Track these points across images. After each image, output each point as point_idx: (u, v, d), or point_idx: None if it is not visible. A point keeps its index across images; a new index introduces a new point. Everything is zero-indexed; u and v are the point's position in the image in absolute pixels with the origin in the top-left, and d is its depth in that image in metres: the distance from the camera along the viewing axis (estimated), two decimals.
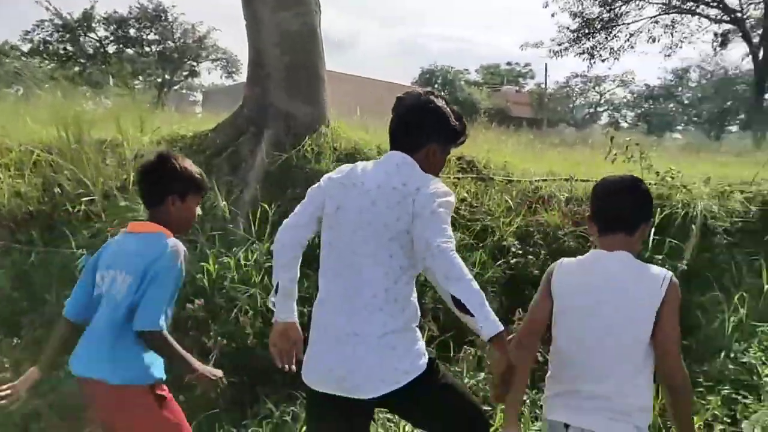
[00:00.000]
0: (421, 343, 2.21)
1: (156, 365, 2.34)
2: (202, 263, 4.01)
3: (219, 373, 2.35)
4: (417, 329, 2.21)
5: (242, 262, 4.14)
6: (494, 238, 4.85)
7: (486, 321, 1.85)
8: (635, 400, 2.00)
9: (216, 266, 4.04)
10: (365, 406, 2.13)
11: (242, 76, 37.83)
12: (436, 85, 40.40)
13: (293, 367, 2.26)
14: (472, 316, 1.85)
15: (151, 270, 2.25)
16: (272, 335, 2.25)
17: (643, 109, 48.58)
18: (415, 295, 2.20)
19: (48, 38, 34.99)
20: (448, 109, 2.22)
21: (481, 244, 4.75)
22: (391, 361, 2.08)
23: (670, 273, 2.08)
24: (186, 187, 2.45)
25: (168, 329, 2.27)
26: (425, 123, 2.18)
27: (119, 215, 4.60)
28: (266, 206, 4.51)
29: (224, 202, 4.55)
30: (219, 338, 3.70)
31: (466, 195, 5.29)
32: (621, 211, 2.15)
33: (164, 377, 2.34)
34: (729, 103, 42.80)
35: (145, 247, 2.31)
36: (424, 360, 2.16)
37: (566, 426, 2.03)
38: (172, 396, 2.36)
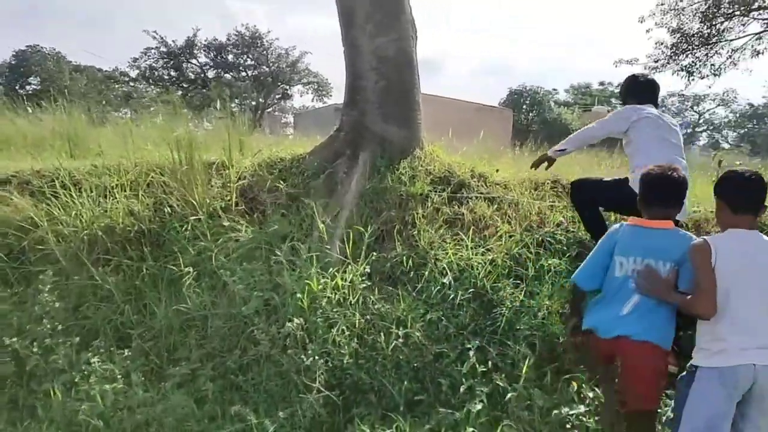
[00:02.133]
0: None
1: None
2: (308, 281, 4.12)
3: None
4: None
5: (339, 283, 4.21)
6: None
7: None
8: None
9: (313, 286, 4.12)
10: None
11: (332, 99, 38.91)
12: (524, 106, 39.81)
13: None
14: None
15: (685, 255, 2.92)
16: None
17: (746, 130, 45.91)
18: None
19: (154, 65, 37.27)
20: None
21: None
22: None
23: None
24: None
25: None
26: None
27: (223, 235, 4.80)
28: (362, 228, 4.60)
29: (322, 224, 4.64)
30: (316, 357, 3.76)
31: (562, 219, 5.17)
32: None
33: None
34: None
35: (675, 240, 3.02)
36: None
37: (754, 366, 2.65)
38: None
